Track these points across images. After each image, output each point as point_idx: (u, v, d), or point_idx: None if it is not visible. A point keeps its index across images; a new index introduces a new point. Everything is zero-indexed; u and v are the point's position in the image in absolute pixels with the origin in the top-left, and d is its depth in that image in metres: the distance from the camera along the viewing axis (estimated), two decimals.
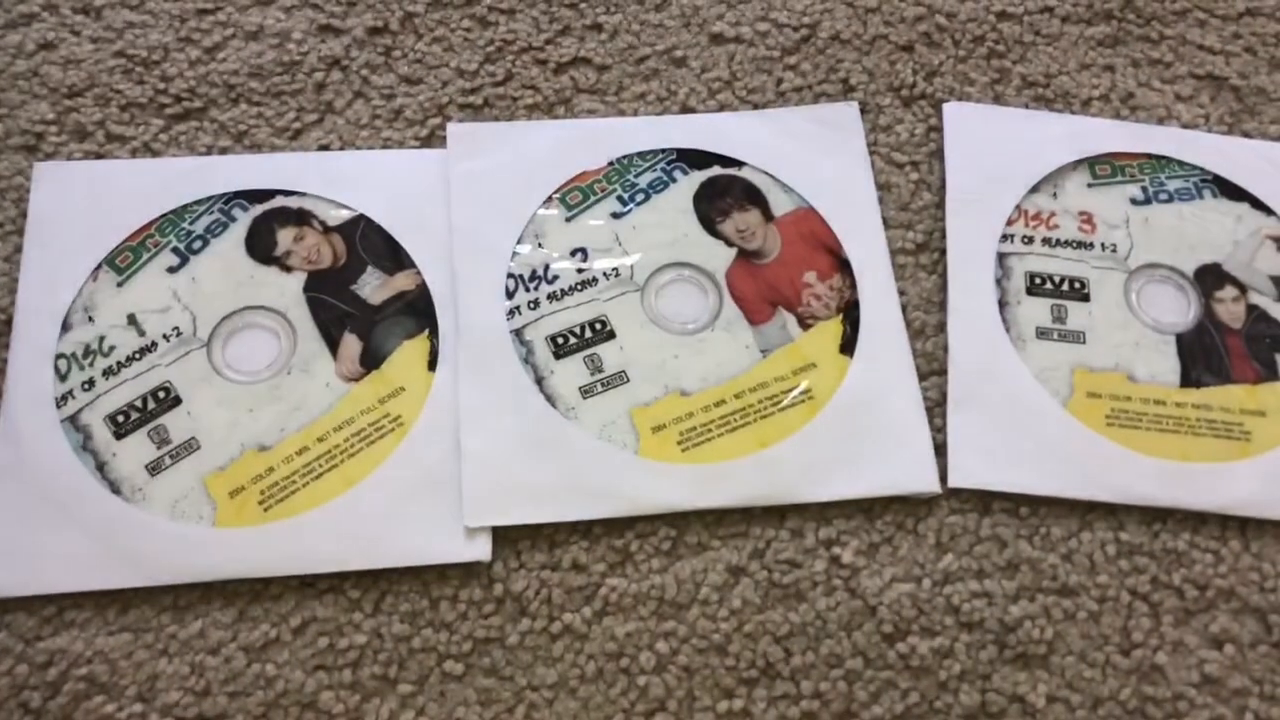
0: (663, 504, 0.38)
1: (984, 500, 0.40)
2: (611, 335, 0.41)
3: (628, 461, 0.39)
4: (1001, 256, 0.44)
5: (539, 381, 0.40)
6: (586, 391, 0.40)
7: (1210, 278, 0.44)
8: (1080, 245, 0.44)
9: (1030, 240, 0.44)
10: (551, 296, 0.41)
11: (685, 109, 0.46)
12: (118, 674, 0.36)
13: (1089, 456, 0.40)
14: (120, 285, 0.41)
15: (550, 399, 0.40)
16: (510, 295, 0.41)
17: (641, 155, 0.44)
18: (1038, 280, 0.43)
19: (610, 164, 0.44)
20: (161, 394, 0.39)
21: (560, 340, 0.41)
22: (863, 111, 0.47)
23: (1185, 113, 0.48)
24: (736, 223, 0.44)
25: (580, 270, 0.42)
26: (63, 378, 0.39)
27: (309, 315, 0.41)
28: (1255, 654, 0.38)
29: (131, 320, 0.40)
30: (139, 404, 0.39)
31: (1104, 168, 0.46)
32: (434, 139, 0.45)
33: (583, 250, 0.42)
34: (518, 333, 0.41)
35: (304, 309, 0.41)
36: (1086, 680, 0.38)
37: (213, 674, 0.36)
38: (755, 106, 0.47)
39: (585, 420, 0.40)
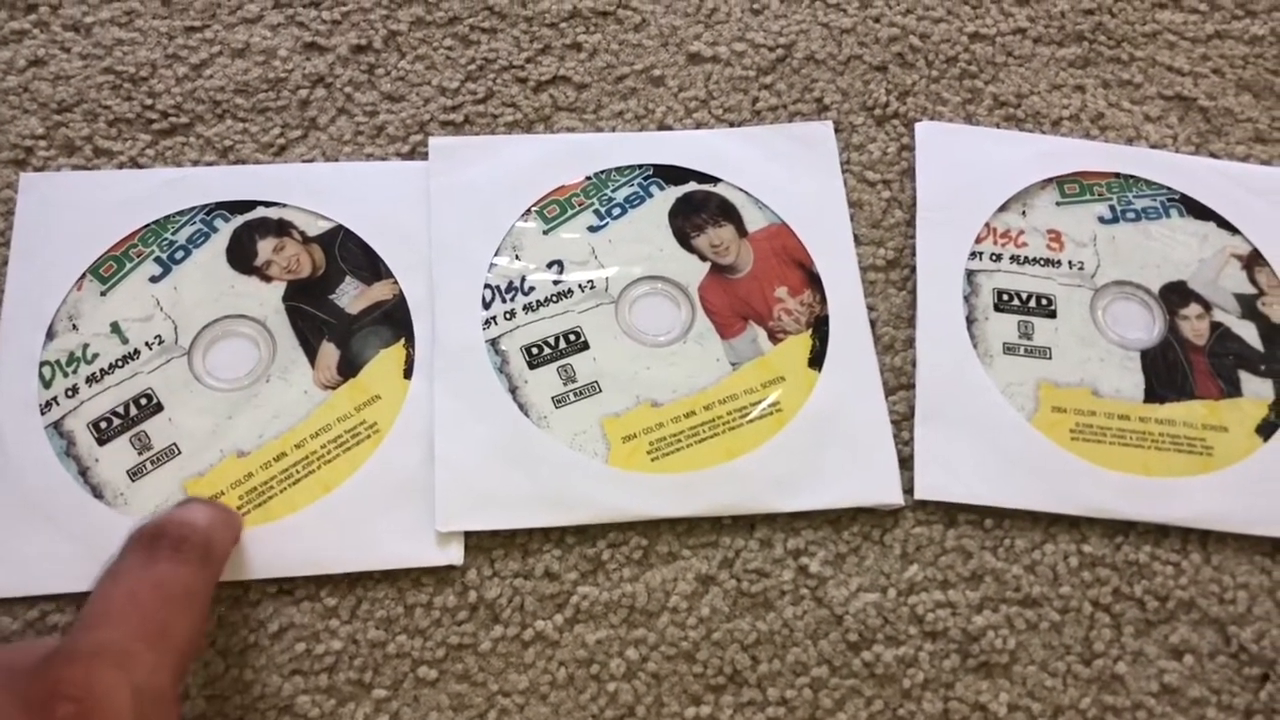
0: (631, 512, 0.39)
1: (949, 512, 0.41)
2: (585, 346, 0.42)
3: (598, 470, 0.40)
4: (970, 273, 0.45)
5: (513, 391, 0.41)
6: (559, 401, 0.41)
7: (1175, 295, 0.45)
8: (1048, 263, 0.45)
9: (999, 258, 0.45)
10: (527, 308, 0.42)
11: (662, 127, 0.47)
12: None
13: (1053, 470, 0.41)
14: (104, 294, 0.42)
15: (523, 408, 0.41)
16: (487, 306, 0.42)
17: (619, 170, 0.45)
18: (1005, 297, 0.44)
19: (588, 179, 0.45)
20: (143, 401, 0.40)
21: (535, 350, 0.42)
22: (836, 130, 0.48)
23: (1154, 133, 0.49)
24: (710, 238, 0.44)
25: (556, 282, 0.43)
26: (47, 384, 0.40)
27: (288, 324, 0.42)
28: (1214, 664, 0.39)
29: (114, 328, 0.41)
30: (121, 410, 0.40)
31: (1072, 186, 0.47)
32: (415, 155, 0.46)
33: (559, 263, 0.43)
34: (493, 342, 0.42)
35: (283, 318, 0.42)
36: (1048, 689, 0.38)
37: (191, 677, 0.37)
38: (731, 125, 0.48)
39: (557, 429, 0.40)
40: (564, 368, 0.41)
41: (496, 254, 0.43)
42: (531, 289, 0.43)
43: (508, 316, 0.42)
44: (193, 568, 0.31)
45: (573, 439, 0.40)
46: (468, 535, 0.39)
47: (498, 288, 0.42)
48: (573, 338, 0.42)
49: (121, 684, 0.27)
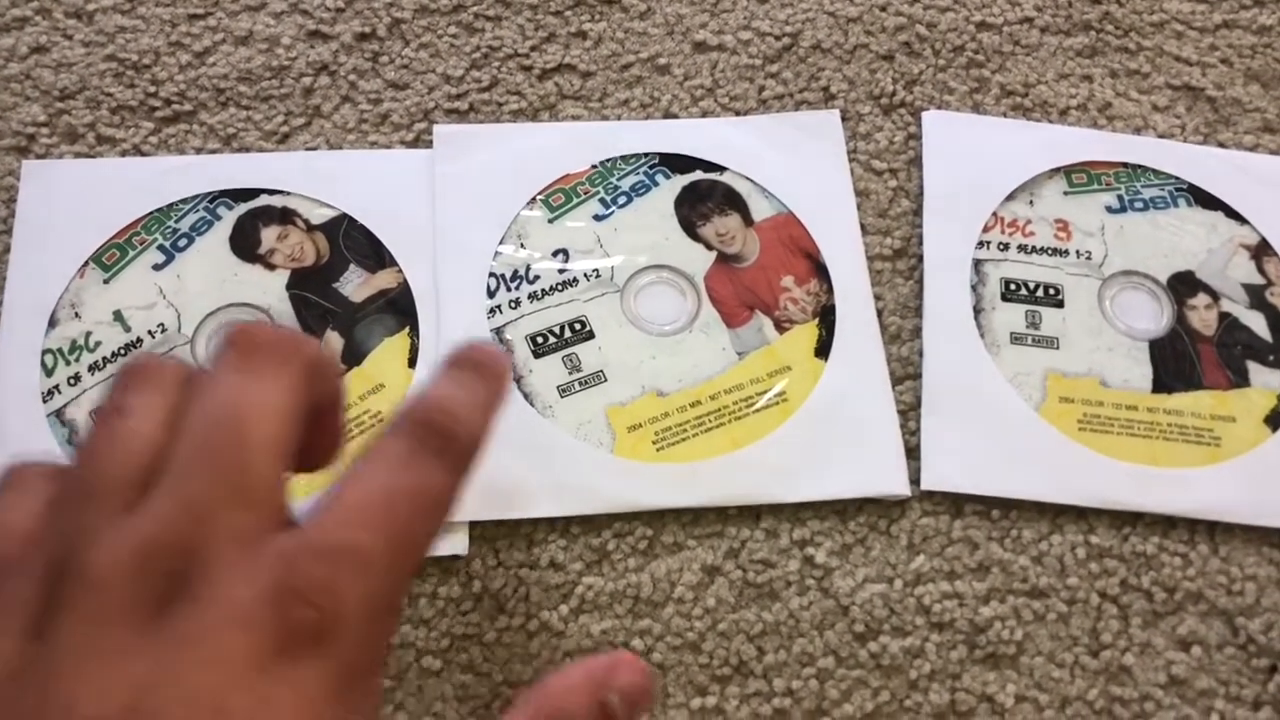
0: (636, 503, 0.39)
1: (956, 503, 0.41)
2: (590, 335, 0.42)
3: (603, 460, 0.39)
4: (977, 263, 0.44)
5: (517, 380, 0.41)
6: (564, 390, 0.41)
7: (1183, 285, 0.45)
8: (1056, 252, 0.45)
9: (1006, 247, 0.45)
10: (532, 296, 0.42)
11: (668, 115, 0.47)
12: None
13: (1060, 460, 0.41)
14: (107, 282, 0.42)
15: (528, 398, 0.40)
16: (491, 294, 0.42)
17: (625, 159, 0.45)
18: (1013, 286, 0.44)
19: (593, 167, 0.45)
20: None
21: (539, 340, 0.41)
22: (843, 119, 0.47)
23: (1162, 123, 0.49)
24: (717, 227, 0.44)
25: (561, 271, 0.43)
26: (49, 373, 0.40)
27: (292, 312, 0.42)
28: (1222, 655, 0.39)
29: (117, 317, 0.41)
30: None
31: (1080, 176, 0.47)
32: (419, 143, 0.46)
33: (564, 251, 0.43)
34: (498, 331, 0.41)
35: (287, 306, 0.42)
36: (1055, 680, 0.38)
37: None
38: (737, 114, 0.47)
39: (562, 419, 0.40)
40: (569, 357, 0.41)
41: (501, 242, 0.43)
42: (536, 278, 0.42)
43: (512, 305, 0.42)
44: (452, 478, 0.27)
45: (578, 429, 0.40)
46: (472, 525, 0.39)
47: (502, 276, 0.42)
48: (578, 327, 0.42)
49: (362, 597, 0.24)
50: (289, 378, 0.26)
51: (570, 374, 0.41)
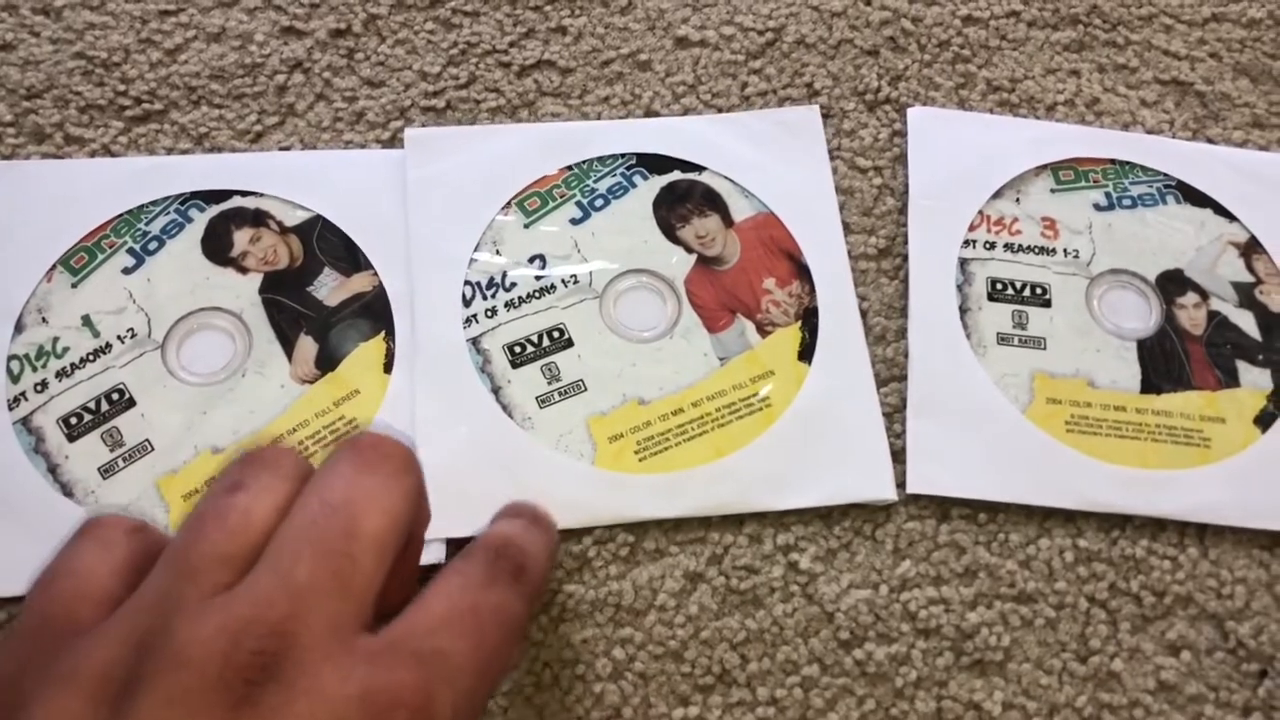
0: (618, 515, 0.38)
1: (942, 506, 0.40)
2: (569, 343, 0.41)
3: (584, 472, 0.39)
4: (963, 262, 0.44)
5: (495, 391, 0.40)
6: (543, 401, 0.40)
7: (1172, 284, 0.44)
8: (1042, 251, 0.44)
9: (992, 246, 0.44)
10: (509, 304, 0.41)
11: (649, 112, 0.46)
12: None
13: (1048, 463, 0.40)
14: (75, 286, 0.41)
15: (506, 409, 0.40)
16: (467, 303, 0.41)
17: (601, 160, 0.44)
18: (999, 286, 0.43)
19: (568, 169, 0.44)
20: (115, 396, 0.39)
21: (517, 349, 0.41)
22: (827, 116, 0.47)
23: (1150, 118, 0.48)
24: (696, 228, 0.43)
25: (538, 277, 0.42)
26: (15, 379, 0.39)
27: (265, 317, 0.41)
28: (1211, 660, 0.38)
29: (86, 321, 0.40)
30: (92, 406, 0.39)
31: (1068, 173, 0.46)
32: (395, 142, 0.45)
33: (541, 257, 0.42)
34: (474, 341, 0.41)
35: (260, 310, 0.41)
36: (1043, 687, 0.38)
37: None
38: (720, 110, 0.46)
39: (542, 430, 0.39)
40: (548, 366, 0.40)
41: (476, 249, 0.42)
42: (513, 285, 0.42)
43: (489, 314, 0.41)
44: (526, 606, 0.28)
45: (558, 440, 0.39)
46: (450, 541, 0.38)
47: (478, 284, 0.41)
48: (556, 335, 0.41)
49: (450, 704, 0.24)
50: (403, 487, 0.26)
51: (549, 384, 0.40)
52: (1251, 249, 0.45)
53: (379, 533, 0.24)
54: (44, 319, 0.40)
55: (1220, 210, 0.46)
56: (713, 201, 0.44)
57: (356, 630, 0.23)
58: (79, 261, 0.41)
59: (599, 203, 0.43)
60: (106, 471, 0.38)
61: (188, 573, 0.23)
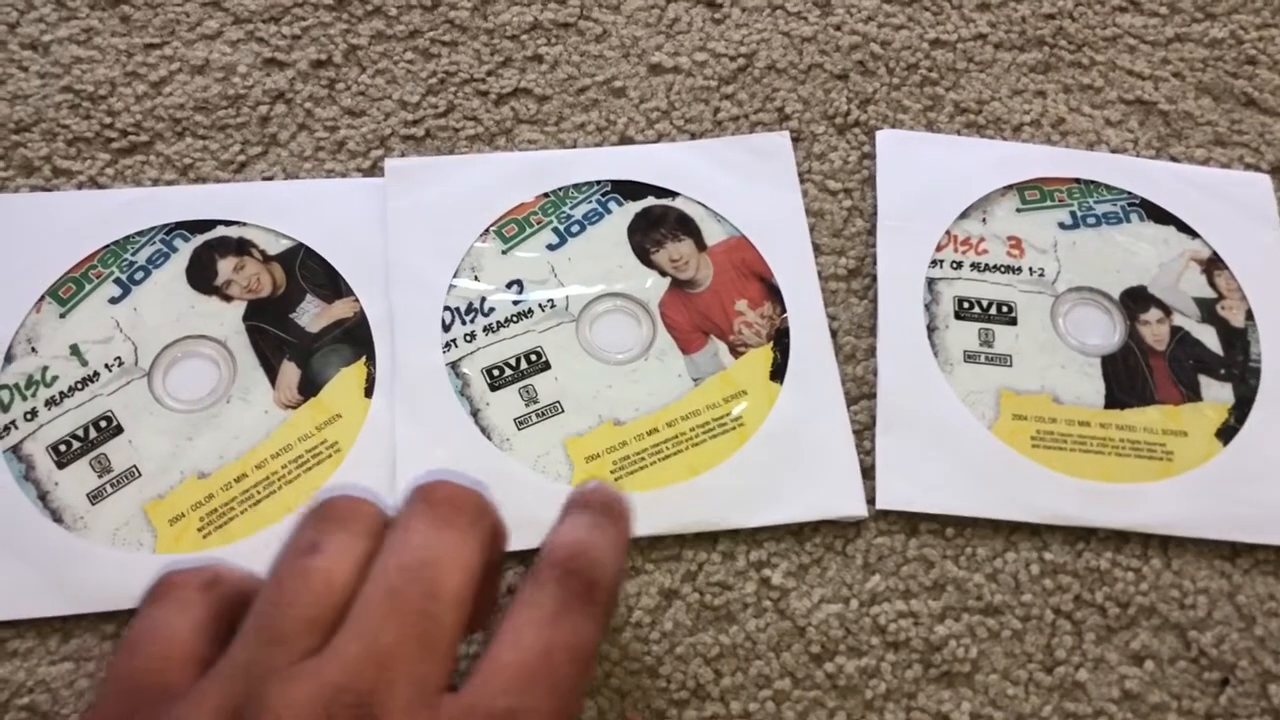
0: None
1: (911, 522, 0.41)
2: (546, 366, 0.42)
3: (562, 492, 0.39)
4: (931, 281, 0.45)
5: (474, 414, 0.41)
6: (521, 423, 0.41)
7: (1135, 300, 0.45)
8: (1008, 270, 0.45)
9: (959, 265, 0.45)
10: (488, 329, 0.42)
11: (624, 139, 0.47)
12: (59, 703, 0.37)
13: (1014, 478, 0.41)
14: (63, 316, 0.42)
15: (485, 431, 0.41)
16: (447, 328, 0.42)
17: (577, 187, 0.45)
18: (966, 305, 0.44)
19: (545, 196, 0.45)
20: (103, 423, 0.40)
21: (495, 372, 0.42)
22: (797, 140, 0.48)
23: (1114, 137, 0.49)
24: (670, 252, 0.44)
25: (516, 302, 0.43)
26: (5, 408, 0.40)
27: (248, 344, 0.42)
28: (1174, 669, 0.39)
29: (74, 350, 0.41)
30: (81, 433, 0.40)
31: (1033, 193, 0.47)
32: (376, 170, 0.46)
33: (518, 282, 0.43)
34: (454, 365, 0.42)
35: (244, 338, 0.42)
36: (1010, 698, 0.38)
37: None
38: (693, 136, 0.48)
39: (520, 452, 0.40)
40: (526, 389, 0.41)
41: (455, 275, 0.43)
42: (491, 310, 0.43)
43: (468, 339, 0.42)
44: (599, 625, 0.27)
45: (535, 461, 0.40)
46: None
47: (457, 309, 0.42)
48: (534, 358, 0.42)
49: None
50: (478, 537, 0.27)
51: (527, 406, 0.41)
52: (1213, 265, 0.46)
53: (458, 590, 0.25)
54: (33, 349, 0.41)
55: (1183, 227, 0.47)
56: (686, 226, 0.45)
57: (439, 690, 0.24)
58: (67, 292, 0.42)
59: (575, 229, 0.44)
60: (95, 497, 0.39)
61: (276, 638, 0.24)
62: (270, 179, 0.45)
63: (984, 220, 0.46)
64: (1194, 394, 0.43)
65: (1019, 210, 0.47)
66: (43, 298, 0.42)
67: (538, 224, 0.44)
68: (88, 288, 0.42)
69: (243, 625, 0.25)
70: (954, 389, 0.43)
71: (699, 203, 0.45)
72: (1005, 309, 0.44)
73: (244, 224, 0.44)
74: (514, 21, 0.50)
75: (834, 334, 0.44)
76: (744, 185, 0.46)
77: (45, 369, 0.41)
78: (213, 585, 0.27)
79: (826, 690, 0.38)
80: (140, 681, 0.25)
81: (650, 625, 0.39)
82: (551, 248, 0.44)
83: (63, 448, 0.40)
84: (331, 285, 0.43)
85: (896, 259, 0.45)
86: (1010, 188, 0.47)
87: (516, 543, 0.39)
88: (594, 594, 0.27)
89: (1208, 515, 0.41)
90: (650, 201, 0.45)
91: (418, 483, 0.28)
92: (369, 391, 0.41)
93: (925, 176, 0.47)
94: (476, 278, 0.43)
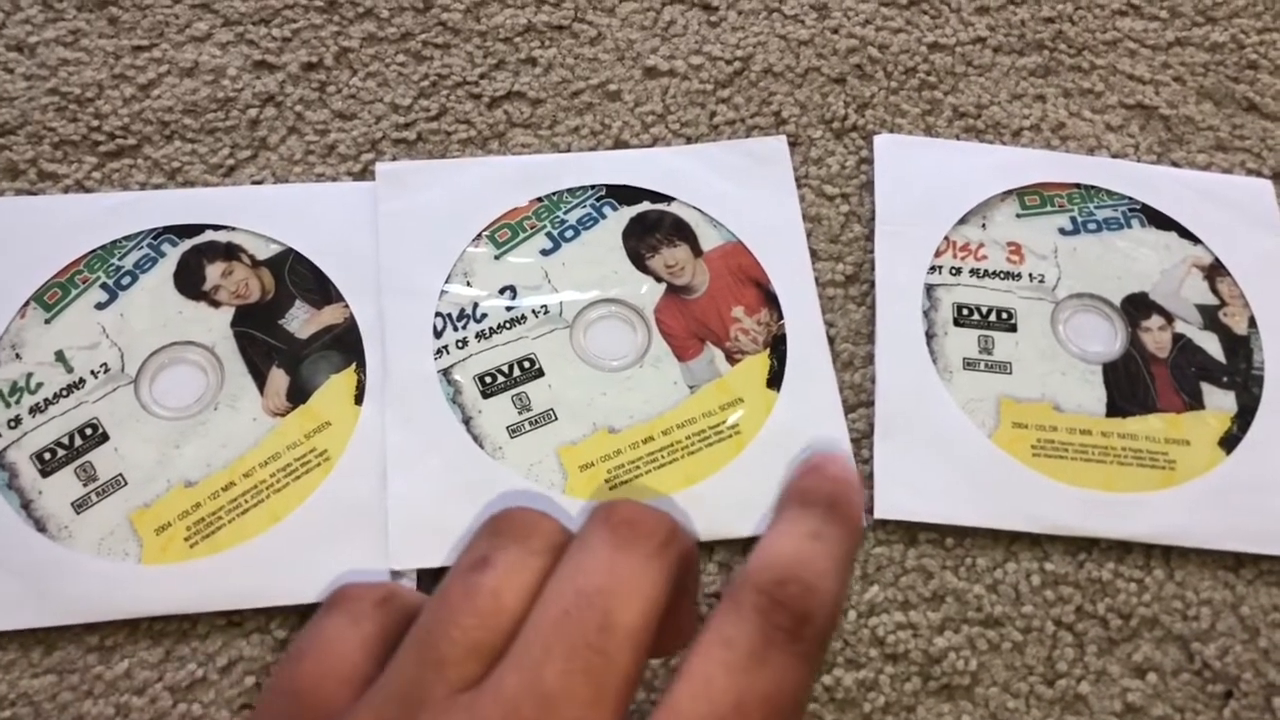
0: None
1: (910, 531, 0.41)
2: (540, 373, 0.41)
3: (555, 502, 0.39)
4: (930, 288, 0.44)
5: (466, 422, 0.40)
6: (514, 431, 0.40)
7: (1137, 307, 0.45)
8: (1008, 276, 0.45)
9: (958, 271, 0.45)
10: (480, 335, 0.42)
11: (619, 142, 0.47)
12: (42, 716, 0.36)
13: (1014, 487, 0.41)
14: (48, 322, 0.41)
15: (477, 439, 0.40)
16: (438, 335, 0.41)
17: (571, 192, 0.45)
18: (965, 311, 0.44)
19: (539, 200, 0.44)
20: (89, 431, 0.39)
21: (488, 379, 0.41)
22: (794, 144, 0.47)
23: (1115, 142, 0.49)
24: (665, 258, 0.44)
25: (509, 308, 0.42)
26: None
27: (237, 350, 0.41)
28: (1177, 682, 0.39)
29: (59, 357, 0.40)
30: (66, 441, 0.39)
31: (1033, 198, 0.46)
32: (367, 174, 0.45)
33: (512, 288, 0.43)
34: (445, 373, 0.41)
35: (232, 344, 0.41)
36: (1010, 711, 0.38)
37: (138, 714, 0.36)
38: (689, 140, 0.47)
39: (513, 459, 0.40)
40: (518, 396, 0.41)
41: (447, 281, 0.42)
42: (484, 316, 0.42)
43: (460, 345, 0.41)
44: (809, 669, 0.23)
45: (529, 469, 0.39)
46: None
47: (449, 316, 0.42)
48: (527, 365, 0.41)
49: None
50: (664, 566, 0.23)
51: (520, 414, 0.40)
52: (1215, 272, 0.45)
53: (636, 625, 0.22)
54: (18, 355, 0.40)
55: (1184, 233, 0.46)
56: (681, 231, 0.44)
57: None
58: (52, 297, 0.41)
59: (569, 234, 0.44)
60: (80, 506, 0.38)
61: (435, 662, 0.22)
62: (260, 183, 0.45)
63: (983, 226, 0.46)
64: (1196, 402, 0.43)
65: (1019, 216, 0.46)
66: (28, 303, 0.41)
67: (531, 229, 0.44)
68: (74, 293, 0.42)
69: (405, 640, 0.23)
70: (953, 397, 0.42)
71: (695, 208, 0.45)
72: (1005, 315, 0.44)
73: (233, 228, 0.43)
74: (507, 24, 0.49)
75: (831, 341, 0.43)
76: (740, 190, 0.45)
77: (30, 375, 0.40)
78: (387, 601, 0.25)
79: (824, 703, 0.38)
80: (300, 694, 0.24)
81: None
82: (545, 253, 0.43)
83: (47, 456, 0.39)
84: (321, 291, 0.42)
85: (895, 265, 0.44)
86: (1010, 193, 0.46)
87: None
88: (804, 630, 0.23)
89: (1211, 525, 0.41)
90: (645, 206, 0.45)
91: (599, 504, 0.25)
92: (359, 399, 0.40)
93: (924, 181, 0.46)
94: (469, 283, 0.42)
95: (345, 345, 0.41)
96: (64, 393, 0.40)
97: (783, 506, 0.25)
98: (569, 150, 0.46)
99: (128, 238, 0.43)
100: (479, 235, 0.43)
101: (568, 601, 0.22)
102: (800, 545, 0.24)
